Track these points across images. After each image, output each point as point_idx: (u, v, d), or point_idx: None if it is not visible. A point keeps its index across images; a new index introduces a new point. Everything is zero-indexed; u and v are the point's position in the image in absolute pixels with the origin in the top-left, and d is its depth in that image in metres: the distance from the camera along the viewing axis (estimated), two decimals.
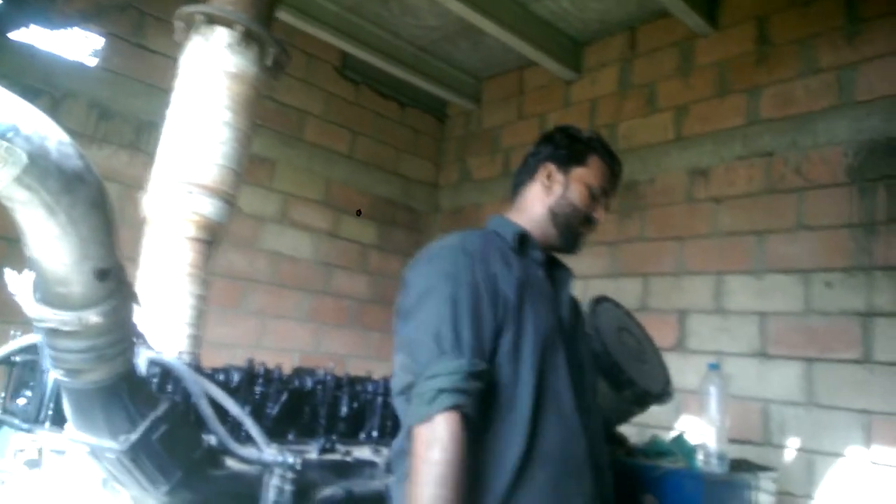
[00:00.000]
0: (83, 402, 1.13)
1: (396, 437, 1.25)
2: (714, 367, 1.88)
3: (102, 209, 0.96)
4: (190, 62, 2.24)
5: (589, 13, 3.88)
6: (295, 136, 4.21)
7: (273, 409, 1.52)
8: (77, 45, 3.42)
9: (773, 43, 3.33)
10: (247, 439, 1.34)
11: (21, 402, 1.36)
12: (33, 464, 1.32)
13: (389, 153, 4.74)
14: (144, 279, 2.09)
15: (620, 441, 1.97)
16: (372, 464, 1.50)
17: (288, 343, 3.99)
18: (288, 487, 1.30)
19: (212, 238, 2.22)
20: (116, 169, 3.29)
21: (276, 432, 1.45)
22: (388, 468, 1.45)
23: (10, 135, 0.80)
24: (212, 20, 2.22)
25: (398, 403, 1.26)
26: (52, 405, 1.32)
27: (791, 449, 2.90)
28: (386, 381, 1.74)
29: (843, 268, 2.86)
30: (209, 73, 2.19)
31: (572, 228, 1.41)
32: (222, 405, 1.33)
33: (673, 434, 2.07)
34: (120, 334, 1.09)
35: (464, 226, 1.35)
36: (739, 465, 1.94)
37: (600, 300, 2.04)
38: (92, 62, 3.45)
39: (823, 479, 2.78)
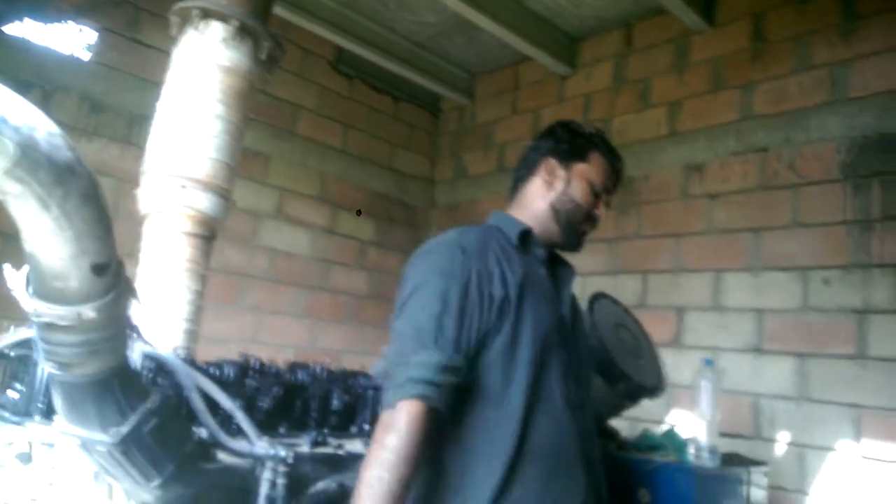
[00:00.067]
0: (74, 396, 1.13)
1: None
2: (709, 363, 1.89)
3: (96, 202, 0.96)
4: (183, 55, 2.24)
5: (585, 9, 3.88)
6: (288, 130, 4.20)
7: (265, 403, 1.52)
8: (71, 40, 3.40)
9: (768, 40, 3.33)
10: (238, 433, 1.34)
11: (12, 394, 1.36)
12: (25, 457, 1.31)
13: (384, 148, 4.74)
14: (143, 275, 2.09)
15: (612, 435, 1.98)
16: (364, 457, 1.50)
17: (284, 338, 3.99)
18: (280, 480, 1.30)
19: (208, 233, 2.22)
20: (108, 163, 3.28)
21: (267, 426, 1.45)
22: None
23: None
24: (207, 14, 2.22)
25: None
26: (43, 398, 1.32)
27: (782, 443, 2.92)
28: None
29: (841, 265, 2.87)
30: (202, 67, 2.19)
31: (574, 225, 1.40)
32: (214, 398, 1.33)
33: (664, 428, 2.08)
34: (115, 329, 1.09)
35: (460, 221, 1.36)
36: (731, 459, 1.95)
37: (598, 297, 2.05)
38: (86, 56, 3.43)
39: (814, 472, 2.80)
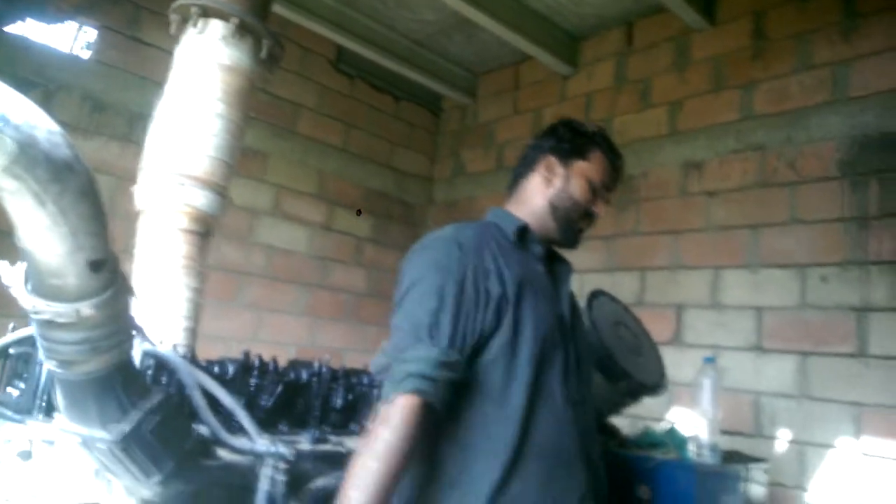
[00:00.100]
0: (76, 393, 1.13)
1: None
2: (709, 361, 1.89)
3: (92, 199, 0.96)
4: (184, 54, 2.24)
5: (585, 7, 3.88)
6: (288, 128, 4.20)
7: (268, 401, 1.52)
8: (71, 38, 3.40)
9: (769, 38, 3.33)
10: (239, 430, 1.34)
11: (13, 392, 1.36)
12: (26, 455, 1.32)
13: (384, 147, 4.73)
14: (139, 272, 2.09)
15: (613, 432, 1.98)
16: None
17: (283, 336, 3.99)
18: (281, 478, 1.30)
19: (205, 230, 2.22)
20: (108, 161, 3.28)
21: (268, 423, 1.45)
22: None
23: None
24: (206, 13, 2.21)
25: None
26: (43, 396, 1.32)
27: (783, 440, 2.92)
28: None
29: (839, 262, 2.87)
30: (203, 65, 2.19)
31: (572, 222, 1.40)
32: (216, 396, 1.34)
33: (664, 425, 2.08)
34: (115, 326, 1.09)
35: (458, 219, 1.35)
36: (731, 457, 1.95)
37: (597, 294, 2.05)
38: (86, 55, 3.43)
39: (814, 469, 2.80)
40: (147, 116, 2.30)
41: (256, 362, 1.61)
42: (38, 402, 1.33)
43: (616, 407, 1.98)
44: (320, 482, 1.38)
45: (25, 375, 1.39)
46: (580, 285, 1.63)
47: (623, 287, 3.49)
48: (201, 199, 2.13)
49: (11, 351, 1.38)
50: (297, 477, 1.34)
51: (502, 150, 4.54)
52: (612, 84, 3.99)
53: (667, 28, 3.73)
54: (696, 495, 1.70)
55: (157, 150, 2.15)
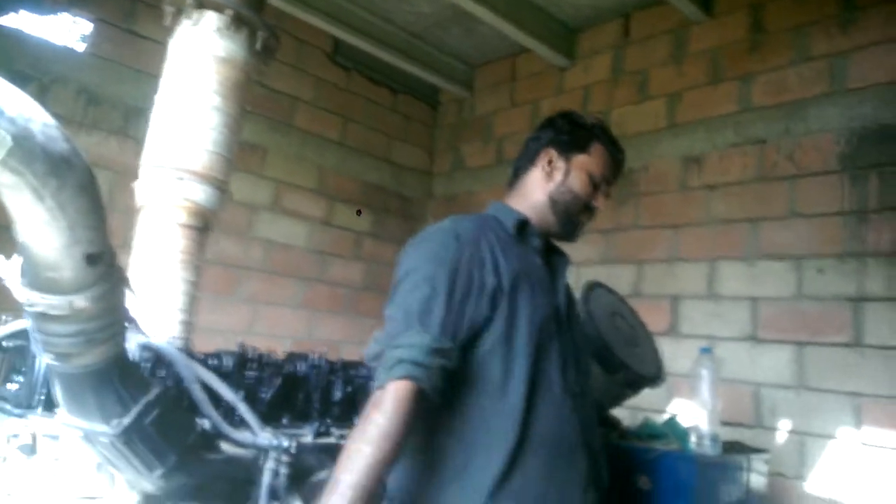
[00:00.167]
0: (74, 387, 1.13)
1: None
2: (706, 351, 1.89)
3: (91, 193, 0.95)
4: (179, 47, 2.22)
5: None
6: (285, 122, 4.18)
7: (267, 394, 1.52)
8: (66, 31, 3.38)
9: (767, 31, 3.32)
10: (240, 423, 1.34)
11: (12, 387, 1.36)
12: (28, 449, 1.31)
13: (381, 140, 4.72)
14: (137, 265, 2.08)
15: (613, 424, 1.99)
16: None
17: (281, 330, 3.99)
18: (283, 471, 1.30)
19: (203, 225, 2.21)
20: (105, 155, 3.27)
21: (269, 416, 1.45)
22: None
23: None
24: (201, 4, 2.20)
25: None
26: (43, 390, 1.32)
27: (782, 431, 2.93)
28: None
29: (836, 254, 2.88)
30: (198, 58, 2.17)
31: (571, 216, 1.40)
32: (215, 389, 1.33)
33: (665, 417, 2.09)
34: (110, 318, 1.08)
35: (457, 213, 1.34)
36: (732, 447, 1.96)
37: (594, 286, 2.05)
38: (81, 48, 3.41)
39: (815, 460, 2.81)
40: (142, 110, 2.29)
41: (253, 355, 1.60)
42: (37, 396, 1.32)
43: (616, 399, 1.99)
44: (323, 475, 1.38)
45: (24, 369, 1.38)
46: (577, 278, 1.63)
47: (620, 279, 3.49)
48: (200, 193, 2.12)
49: (5, 344, 1.37)
50: (299, 470, 1.34)
51: (501, 143, 4.53)
52: (609, 76, 3.98)
53: (664, 20, 3.71)
54: (697, 486, 1.70)
55: (155, 144, 2.14)
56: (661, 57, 3.73)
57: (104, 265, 1.01)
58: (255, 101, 3.38)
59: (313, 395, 1.58)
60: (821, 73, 3.08)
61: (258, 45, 2.28)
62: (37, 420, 1.31)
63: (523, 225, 1.36)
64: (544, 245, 1.40)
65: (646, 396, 2.13)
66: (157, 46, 2.44)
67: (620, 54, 3.95)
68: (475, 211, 1.44)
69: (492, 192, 3.95)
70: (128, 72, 3.47)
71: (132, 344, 1.35)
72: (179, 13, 2.24)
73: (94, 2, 3.43)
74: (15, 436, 1.31)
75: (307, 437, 1.43)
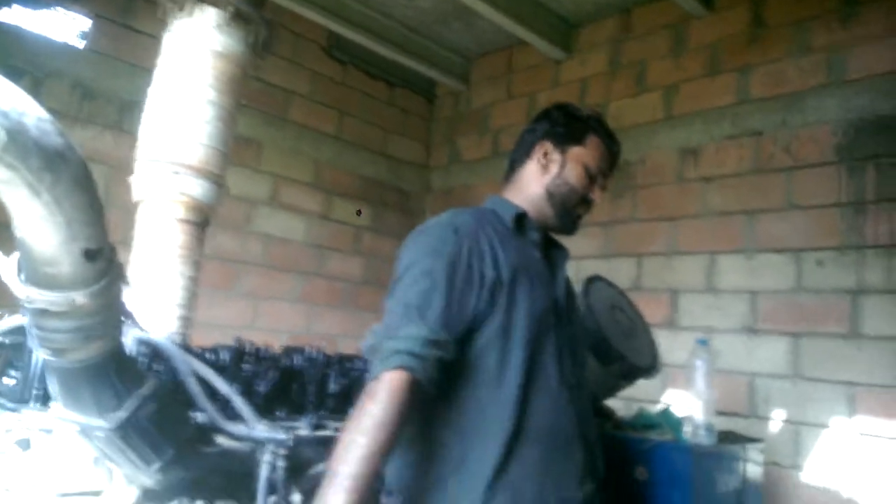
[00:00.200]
0: (70, 381, 1.13)
1: None
2: (702, 342, 1.90)
3: (87, 188, 0.95)
4: (175, 40, 2.21)
5: None
6: (281, 116, 4.17)
7: (263, 387, 1.52)
8: (63, 26, 3.36)
9: (767, 25, 3.31)
10: (237, 417, 1.34)
11: (8, 382, 1.36)
12: (24, 444, 1.32)
13: (378, 134, 4.71)
14: (136, 261, 2.09)
15: (608, 415, 1.99)
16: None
17: (279, 324, 3.99)
18: (280, 464, 1.31)
19: (202, 220, 2.21)
20: (100, 150, 3.25)
21: (266, 410, 1.46)
22: None
23: None
24: None
25: None
26: (38, 385, 1.32)
27: (777, 420, 2.95)
28: None
29: (834, 246, 2.88)
30: (194, 52, 2.17)
31: (569, 209, 1.39)
32: (211, 383, 1.34)
33: (659, 407, 2.10)
34: (108, 314, 1.09)
35: (455, 206, 1.34)
36: (727, 437, 1.97)
37: (593, 279, 2.06)
38: (79, 43, 3.39)
39: (809, 449, 2.83)
40: (138, 104, 2.28)
41: (250, 349, 1.61)
42: (32, 391, 1.33)
43: (611, 390, 2.00)
44: (320, 468, 1.39)
45: (19, 364, 1.38)
46: (577, 271, 1.64)
47: (620, 273, 3.49)
48: (197, 188, 2.12)
49: (1, 340, 1.38)
50: (296, 463, 1.34)
51: (497, 136, 4.53)
52: (606, 69, 3.97)
53: (665, 15, 3.70)
54: (692, 476, 1.71)
55: (150, 139, 2.13)
56: (659, 51, 3.72)
57: (104, 261, 1.01)
58: (250, 94, 3.38)
59: (308, 388, 1.58)
60: (819, 65, 3.08)
61: (255, 41, 2.28)
62: (32, 415, 1.31)
63: (521, 218, 1.36)
64: (543, 238, 1.40)
65: (641, 387, 2.14)
66: (152, 41, 2.43)
67: (618, 48, 3.94)
68: (473, 204, 1.44)
69: (489, 185, 3.96)
70: (123, 66, 3.45)
71: (129, 338, 1.35)
72: (176, 7, 2.24)
73: None
74: (9, 431, 1.31)
75: (303, 429, 1.44)
